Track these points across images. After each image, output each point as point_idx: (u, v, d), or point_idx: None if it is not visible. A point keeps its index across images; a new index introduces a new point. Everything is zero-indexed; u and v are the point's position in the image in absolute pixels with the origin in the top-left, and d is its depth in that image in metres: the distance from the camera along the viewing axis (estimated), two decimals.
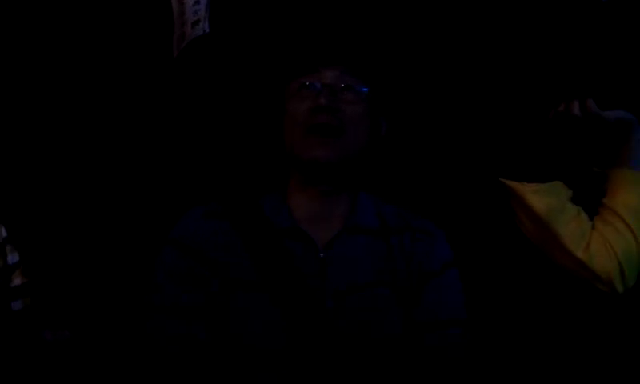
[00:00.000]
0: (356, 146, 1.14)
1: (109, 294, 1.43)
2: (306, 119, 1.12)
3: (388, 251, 1.15)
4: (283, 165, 1.21)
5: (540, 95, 1.44)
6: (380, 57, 1.32)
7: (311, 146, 1.11)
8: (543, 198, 1.30)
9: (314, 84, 1.14)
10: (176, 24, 1.53)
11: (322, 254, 1.12)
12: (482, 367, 1.19)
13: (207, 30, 1.52)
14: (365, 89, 1.15)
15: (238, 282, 1.09)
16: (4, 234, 1.29)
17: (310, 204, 1.16)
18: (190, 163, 1.53)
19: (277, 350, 1.05)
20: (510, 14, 1.51)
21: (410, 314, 1.12)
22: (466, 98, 1.52)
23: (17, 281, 1.28)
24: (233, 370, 1.06)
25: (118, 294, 1.43)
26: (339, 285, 1.10)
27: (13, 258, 1.29)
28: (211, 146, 1.53)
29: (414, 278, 1.13)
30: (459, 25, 1.53)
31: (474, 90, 1.51)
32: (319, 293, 1.09)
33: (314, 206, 1.16)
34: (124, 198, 1.49)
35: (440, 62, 1.52)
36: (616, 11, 1.48)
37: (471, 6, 1.52)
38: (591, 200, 1.33)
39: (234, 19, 1.55)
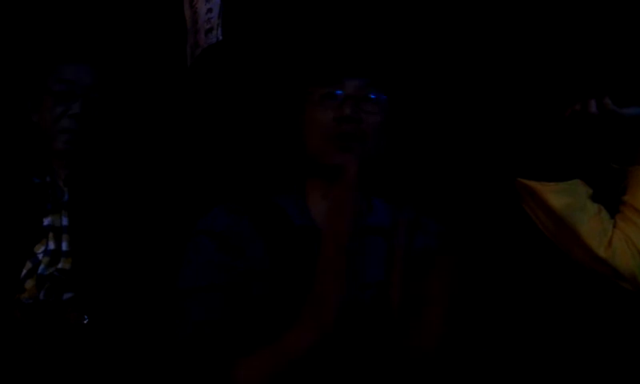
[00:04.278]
0: (377, 153, 1.18)
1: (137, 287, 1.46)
2: (331, 128, 1.16)
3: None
4: (299, 167, 1.24)
5: (556, 94, 1.44)
6: (401, 69, 1.34)
7: (337, 151, 1.15)
8: (563, 196, 1.29)
9: (339, 94, 1.17)
10: (189, 33, 1.53)
11: None
12: (497, 367, 1.19)
13: (220, 38, 1.52)
14: (385, 99, 1.19)
15: (256, 273, 1.11)
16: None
17: (325, 205, 1.17)
18: (206, 166, 1.55)
19: None
20: (526, 12, 1.51)
21: None
22: (484, 99, 1.52)
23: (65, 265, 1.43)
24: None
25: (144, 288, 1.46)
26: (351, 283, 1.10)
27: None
28: (226, 148, 1.55)
29: None
30: (475, 26, 1.53)
31: (491, 90, 1.52)
32: None
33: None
34: (150, 199, 1.52)
35: (458, 63, 1.52)
36: (632, 8, 1.48)
37: (488, 7, 1.53)
38: (611, 198, 1.33)
39: (250, 27, 1.55)
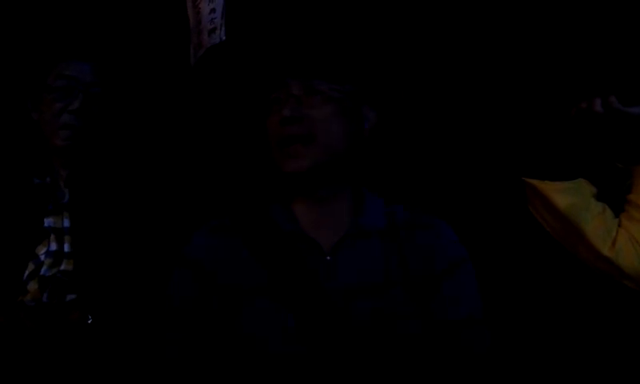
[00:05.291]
0: (333, 147, 1.15)
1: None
2: (276, 133, 1.15)
3: (398, 250, 1.15)
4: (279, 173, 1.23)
5: (562, 93, 1.44)
6: (349, 56, 1.30)
7: (286, 159, 1.14)
8: (567, 196, 1.29)
9: (280, 97, 1.16)
10: (193, 33, 1.52)
11: (328, 258, 1.13)
12: (504, 366, 1.19)
13: (223, 38, 1.51)
14: (331, 88, 1.15)
15: (250, 290, 1.11)
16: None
17: (310, 210, 1.17)
18: (208, 165, 1.54)
19: (290, 354, 1.05)
20: (532, 9, 1.52)
21: (429, 311, 1.12)
22: (488, 98, 1.52)
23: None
24: (247, 376, 1.07)
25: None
26: (347, 287, 1.10)
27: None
28: (227, 148, 1.54)
29: (427, 274, 1.14)
30: (479, 23, 1.53)
31: (495, 90, 1.52)
32: (328, 296, 1.10)
33: (314, 212, 1.17)
34: (151, 198, 1.51)
35: (463, 62, 1.52)
36: (636, 7, 1.48)
37: (494, 4, 1.53)
38: (616, 197, 1.33)
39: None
